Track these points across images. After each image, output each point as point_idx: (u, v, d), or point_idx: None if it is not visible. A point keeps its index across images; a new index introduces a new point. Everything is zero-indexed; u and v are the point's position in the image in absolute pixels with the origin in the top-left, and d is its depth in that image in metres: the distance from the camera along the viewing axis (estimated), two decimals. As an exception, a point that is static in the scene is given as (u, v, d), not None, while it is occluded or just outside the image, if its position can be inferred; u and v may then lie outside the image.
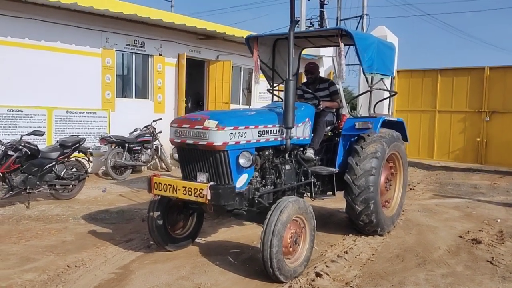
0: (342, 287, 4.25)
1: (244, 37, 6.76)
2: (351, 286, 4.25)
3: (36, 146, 7.07)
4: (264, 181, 4.89)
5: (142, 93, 11.72)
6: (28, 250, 5.05)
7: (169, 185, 4.43)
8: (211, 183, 4.27)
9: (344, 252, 5.18)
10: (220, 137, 4.26)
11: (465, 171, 12.52)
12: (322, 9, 20.26)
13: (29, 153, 6.81)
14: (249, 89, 6.16)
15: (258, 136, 4.64)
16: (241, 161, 4.34)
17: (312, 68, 6.42)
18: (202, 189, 4.18)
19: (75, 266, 4.58)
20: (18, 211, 6.79)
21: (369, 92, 6.47)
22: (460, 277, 4.56)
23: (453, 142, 12.99)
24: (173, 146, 4.83)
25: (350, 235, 5.89)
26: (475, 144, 12.77)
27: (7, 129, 8.82)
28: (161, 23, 10.89)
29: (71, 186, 7.49)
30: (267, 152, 4.88)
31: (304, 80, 6.74)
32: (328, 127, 6.10)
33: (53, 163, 7.16)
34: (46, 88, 9.40)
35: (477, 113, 12.77)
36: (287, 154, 5.22)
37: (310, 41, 6.69)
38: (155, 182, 4.53)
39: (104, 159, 9.68)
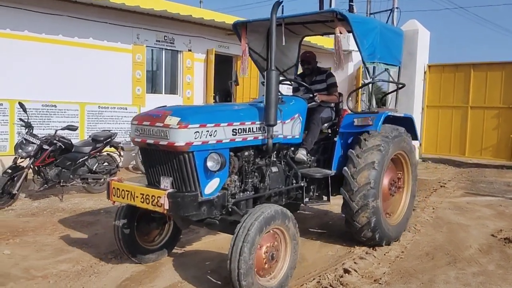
0: (371, 284, 4.22)
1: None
2: (379, 283, 4.23)
3: (70, 140, 7.26)
4: (243, 186, 4.33)
5: (172, 88, 11.87)
6: (62, 241, 5.21)
7: (127, 191, 3.91)
8: (169, 190, 3.72)
9: (373, 249, 5.14)
10: (182, 136, 3.65)
11: (498, 169, 12.23)
12: (352, 3, 20.03)
13: (63, 147, 7.00)
14: (236, 82, 5.77)
15: (233, 134, 4.03)
16: (209, 164, 3.75)
17: (309, 57, 5.80)
18: (160, 197, 3.63)
19: (107, 258, 4.70)
20: (52, 203, 6.99)
21: (371, 85, 5.85)
22: (491, 276, 4.48)
23: (486, 139, 12.68)
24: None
25: (379, 232, 5.84)
26: (509, 141, 12.44)
27: (42, 124, 9.07)
28: (190, 19, 10.99)
29: (102, 180, 7.66)
30: (246, 153, 4.31)
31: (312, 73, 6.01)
32: (326, 124, 5.49)
33: (86, 157, 7.34)
34: (79, 84, 9.63)
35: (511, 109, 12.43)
36: (273, 155, 4.66)
37: (309, 27, 5.95)
38: (113, 188, 4.01)
39: (134, 154, 9.86)
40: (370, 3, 23.63)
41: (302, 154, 5.00)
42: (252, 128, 4.24)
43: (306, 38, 6.69)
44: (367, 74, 5.42)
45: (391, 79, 6.09)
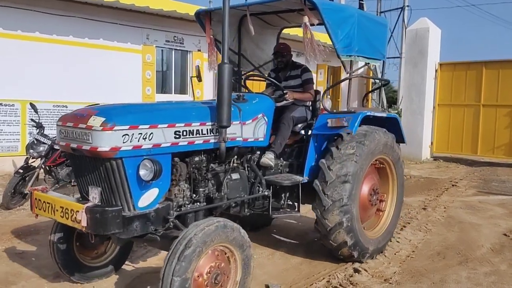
0: (381, 283, 4.20)
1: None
2: (390, 283, 4.20)
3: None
4: (194, 196, 3.81)
5: (181, 88, 11.90)
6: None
7: (48, 203, 3.40)
8: (89, 204, 3.20)
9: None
10: (107, 140, 3.10)
11: (511, 168, 12.08)
12: (362, 1, 19.96)
13: (74, 147, 7.04)
14: (199, 77, 4.84)
15: (175, 137, 3.49)
16: (141, 172, 3.22)
17: (283, 49, 5.18)
18: (78, 212, 3.13)
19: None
20: (63, 203, 7.03)
21: (350, 82, 5.03)
22: (504, 276, 4.43)
23: (498, 137, 12.53)
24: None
25: (389, 231, 5.81)
26: (522, 140, 12.30)
27: (53, 124, 9.14)
28: (199, 19, 11.01)
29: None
30: (197, 159, 3.77)
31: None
32: (299, 125, 4.97)
33: (96, 157, 7.37)
34: (89, 84, 9.70)
35: (525, 107, 12.28)
36: (233, 160, 4.18)
37: (284, 18, 5.39)
38: (35, 199, 3.52)
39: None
40: (381, 2, 23.54)
41: (268, 158, 4.46)
42: (202, 130, 3.69)
43: (293, 31, 6.20)
44: (344, 68, 4.79)
45: (381, 75, 5.54)
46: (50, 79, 9.17)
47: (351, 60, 4.76)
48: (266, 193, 4.37)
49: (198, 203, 3.81)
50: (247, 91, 5.29)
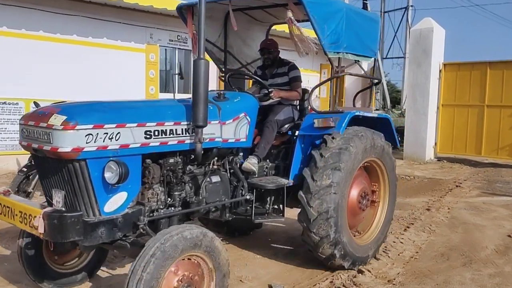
0: (385, 284, 4.18)
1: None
2: (393, 284, 4.18)
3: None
4: (170, 199, 3.59)
5: (185, 88, 11.90)
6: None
7: (7, 207, 3.18)
8: (47, 209, 2.98)
9: (387, 249, 5.09)
10: (68, 140, 2.89)
11: (515, 168, 12.06)
12: (366, 1, 19.95)
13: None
14: (181, 75, 4.65)
15: (146, 138, 3.27)
16: (106, 175, 3.01)
17: (269, 45, 4.93)
18: (35, 217, 2.92)
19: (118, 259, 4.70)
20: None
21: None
22: (508, 278, 4.40)
23: (502, 138, 12.49)
24: None
25: (393, 232, 5.79)
26: (526, 140, 12.25)
27: (57, 123, 9.15)
28: (203, 19, 11.01)
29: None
30: (171, 161, 3.54)
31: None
32: (286, 126, 4.75)
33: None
34: (92, 83, 9.70)
35: (529, 108, 12.23)
36: (213, 163, 3.96)
37: (271, 13, 5.13)
38: None
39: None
40: (384, 1, 23.51)
41: (250, 163, 4.22)
42: (176, 130, 3.47)
43: (282, 27, 5.91)
44: (331, 65, 4.50)
45: (377, 73, 5.44)
46: (54, 78, 9.18)
47: (339, 57, 4.52)
48: (248, 197, 4.15)
49: (173, 208, 3.59)
50: (234, 90, 4.95)
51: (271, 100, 4.65)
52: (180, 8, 4.95)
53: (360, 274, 4.33)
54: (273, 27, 5.68)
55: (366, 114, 4.67)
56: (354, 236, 4.60)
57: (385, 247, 5.17)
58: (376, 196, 4.92)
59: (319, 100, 5.09)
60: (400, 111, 25.18)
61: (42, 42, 9.03)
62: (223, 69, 5.31)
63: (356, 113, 4.47)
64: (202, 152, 3.60)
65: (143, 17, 10.42)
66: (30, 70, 8.89)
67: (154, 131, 3.33)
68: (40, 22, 8.98)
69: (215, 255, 3.15)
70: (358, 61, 4.81)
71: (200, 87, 3.34)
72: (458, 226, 6.20)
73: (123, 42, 10.23)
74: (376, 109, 23.62)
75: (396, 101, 30.81)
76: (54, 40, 9.18)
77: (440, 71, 13.06)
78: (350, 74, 5.05)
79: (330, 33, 4.23)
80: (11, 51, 8.69)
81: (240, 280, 4.21)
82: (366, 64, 15.33)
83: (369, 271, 4.42)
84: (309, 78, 14.69)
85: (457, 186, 9.25)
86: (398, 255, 4.96)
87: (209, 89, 3.51)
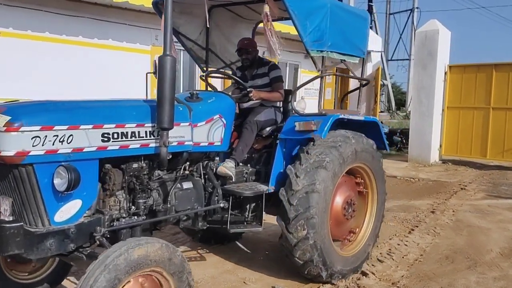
0: (389, 287, 4.17)
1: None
2: (397, 287, 4.18)
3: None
4: (134, 208, 3.32)
5: (190, 89, 11.92)
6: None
7: None
8: None
9: (391, 251, 5.08)
10: (12, 142, 2.63)
11: (521, 171, 12.00)
12: (371, 3, 19.91)
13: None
14: (156, 73, 3.33)
15: (103, 141, 3.00)
16: (55, 181, 2.76)
17: (247, 45, 4.65)
18: None
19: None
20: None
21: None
22: (514, 281, 4.39)
23: (508, 141, 12.42)
24: None
25: (397, 234, 5.78)
26: (532, 143, 12.19)
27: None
28: (208, 20, 11.04)
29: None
30: (135, 165, 3.29)
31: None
32: (267, 128, 4.46)
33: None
34: (98, 84, 9.73)
35: (535, 110, 12.17)
36: (185, 168, 3.69)
37: (255, 10, 4.86)
38: None
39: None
40: (390, 3, 23.49)
41: (226, 167, 3.95)
42: (138, 132, 3.19)
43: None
44: (314, 65, 4.20)
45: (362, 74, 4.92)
46: (59, 79, 9.21)
47: (323, 57, 4.21)
48: (222, 204, 3.86)
49: (136, 217, 3.30)
50: (213, 90, 4.73)
51: (251, 102, 4.46)
52: (156, 3, 4.68)
53: (364, 277, 4.33)
54: (260, 25, 5.24)
55: (351, 117, 4.37)
56: (341, 247, 4.38)
57: (389, 249, 5.16)
58: (363, 203, 4.64)
59: (305, 102, 4.80)
60: (405, 113, 25.16)
61: (47, 43, 9.07)
62: (204, 68, 5.05)
63: (340, 116, 4.21)
64: (170, 156, 3.37)
65: (149, 19, 10.43)
66: (36, 71, 8.92)
67: (113, 133, 3.05)
68: (46, 23, 9.02)
69: (177, 272, 2.84)
70: (345, 60, 4.54)
71: (165, 86, 3.08)
72: (463, 229, 6.18)
73: (128, 44, 10.27)
74: (381, 111, 23.63)
75: (401, 103, 30.79)
76: (59, 41, 9.23)
77: (445, 73, 13.02)
78: (335, 74, 4.70)
79: (313, 30, 3.95)
80: (17, 52, 8.73)
81: (244, 282, 4.21)
82: (371, 66, 15.38)
83: (373, 273, 4.41)
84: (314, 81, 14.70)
85: (462, 188, 9.21)
86: (403, 257, 4.95)
87: (188, 90, 3.47)
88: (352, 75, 4.88)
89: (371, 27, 24.35)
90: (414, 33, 17.33)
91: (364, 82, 4.87)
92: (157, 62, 3.13)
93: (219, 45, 5.13)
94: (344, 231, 4.47)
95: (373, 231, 4.64)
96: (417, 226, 6.17)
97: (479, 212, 7.19)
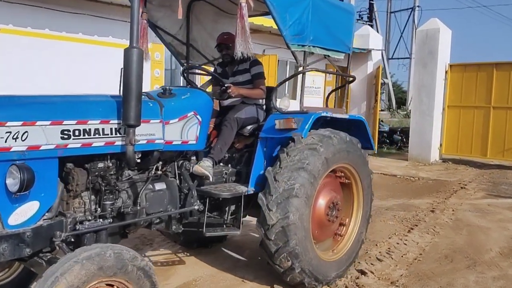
0: (388, 286, 4.16)
1: None
2: (396, 286, 4.17)
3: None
4: (100, 210, 3.11)
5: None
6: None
7: None
8: None
9: (390, 251, 5.07)
10: None
11: (521, 170, 11.99)
12: (372, 1, 19.87)
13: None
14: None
15: (63, 138, 2.80)
16: (7, 182, 2.59)
17: (227, 40, 4.36)
18: None
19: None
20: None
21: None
22: (513, 281, 4.38)
23: (508, 140, 12.41)
24: None
25: (396, 233, 5.77)
26: (532, 142, 12.18)
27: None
28: (208, 17, 11.02)
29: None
30: (101, 165, 3.07)
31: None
32: (248, 127, 4.26)
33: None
34: (98, 82, 9.71)
35: (536, 110, 12.16)
36: (157, 167, 3.49)
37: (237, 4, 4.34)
38: None
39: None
40: (391, 2, 23.45)
41: (202, 166, 3.72)
42: (103, 129, 2.98)
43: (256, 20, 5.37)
44: (296, 61, 3.97)
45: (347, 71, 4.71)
46: (59, 76, 9.20)
47: (305, 52, 3.99)
48: (196, 207, 3.63)
49: (102, 220, 3.07)
50: (191, 86, 4.51)
51: (232, 99, 4.28)
52: None
53: (363, 276, 4.32)
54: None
55: (335, 115, 4.14)
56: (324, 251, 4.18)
57: (389, 248, 5.16)
58: (348, 205, 4.44)
59: (288, 100, 4.56)
60: (405, 112, 25.14)
61: (47, 40, 9.05)
62: (184, 64, 4.86)
63: (322, 114, 3.98)
64: (139, 155, 3.21)
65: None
66: (36, 68, 8.91)
67: (74, 130, 2.83)
68: (46, 20, 8.99)
69: (142, 278, 2.65)
70: (329, 56, 4.30)
71: (131, 80, 2.91)
72: (462, 228, 6.17)
73: (128, 41, 10.21)
74: (382, 110, 23.62)
75: (401, 102, 30.78)
76: (60, 38, 9.21)
77: (446, 72, 13.01)
78: (317, 70, 4.37)
79: (293, 23, 3.74)
80: (17, 49, 8.71)
81: (242, 281, 4.21)
82: (372, 64, 15.36)
83: (372, 272, 4.41)
84: (314, 78, 14.68)
85: (462, 187, 9.21)
86: (402, 256, 4.94)
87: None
88: (337, 72, 4.66)
89: (371, 26, 24.34)
90: (415, 31, 17.30)
91: (350, 79, 4.65)
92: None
93: (200, 40, 4.94)
94: (329, 233, 4.28)
95: (358, 236, 4.44)
96: (416, 225, 6.16)
97: (479, 212, 7.18)
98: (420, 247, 5.29)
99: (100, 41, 9.79)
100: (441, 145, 13.15)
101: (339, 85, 15.47)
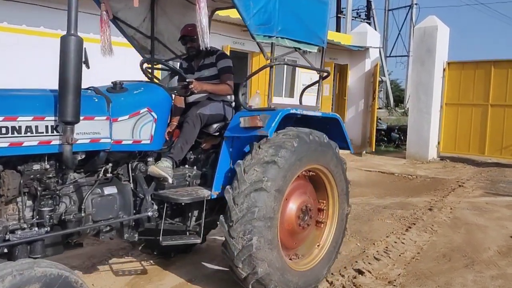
0: (385, 285, 4.13)
1: None
2: (394, 285, 4.13)
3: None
4: (38, 217, 2.77)
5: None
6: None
7: None
8: None
9: (388, 249, 5.04)
10: None
11: (519, 168, 11.99)
12: None
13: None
14: (86, 64, 2.97)
15: None
16: None
17: (191, 32, 4.00)
18: None
19: (119, 254, 4.69)
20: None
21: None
22: (510, 280, 4.35)
23: (506, 138, 12.41)
24: None
25: (394, 232, 5.74)
26: (530, 140, 12.17)
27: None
28: (205, 15, 10.96)
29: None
30: (36, 167, 2.74)
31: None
32: (215, 125, 3.92)
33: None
34: (94, 80, 9.59)
35: (534, 107, 12.15)
36: (107, 169, 3.15)
37: None
38: None
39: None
40: (388, 0, 23.40)
41: (160, 167, 3.41)
42: (36, 126, 2.64)
43: (225, 12, 5.05)
44: (262, 53, 3.65)
45: (321, 65, 4.33)
46: (55, 74, 9.11)
47: (272, 43, 3.67)
48: (150, 213, 3.31)
49: (38, 228, 2.74)
50: (152, 81, 4.28)
51: (197, 96, 3.98)
52: None
53: (360, 275, 4.28)
54: (217, 13, 4.82)
55: (305, 112, 3.78)
56: (295, 256, 3.90)
57: (386, 247, 5.13)
58: (323, 216, 4.09)
59: (259, 97, 4.27)
60: (403, 110, 25.15)
61: (43, 38, 8.97)
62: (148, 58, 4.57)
63: (291, 111, 3.62)
64: (83, 156, 2.91)
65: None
66: (31, 66, 8.83)
67: (1, 128, 2.51)
68: (41, 18, 8.91)
69: None
70: (299, 49, 3.97)
71: (68, 71, 2.60)
72: (460, 227, 6.14)
73: (124, 39, 10.16)
74: (379, 108, 23.61)
75: (399, 100, 30.81)
76: (55, 36, 9.13)
77: (444, 69, 12.99)
78: (287, 64, 4.06)
79: (258, 12, 3.40)
80: (11, 47, 8.64)
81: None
82: (370, 62, 15.31)
83: (369, 271, 4.37)
84: (312, 76, 14.63)
85: (460, 186, 9.19)
86: (399, 255, 4.91)
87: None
88: (309, 66, 4.23)
89: (369, 23, 24.29)
90: (413, 29, 17.27)
91: (324, 75, 4.32)
92: (86, 50, 2.72)
93: (167, 34, 4.61)
94: (300, 241, 3.91)
95: (334, 239, 4.07)
96: (414, 224, 6.13)
97: (477, 210, 7.16)
98: (418, 246, 5.26)
99: (97, 39, 9.63)
100: (439, 143, 13.15)
101: (337, 83, 15.43)
